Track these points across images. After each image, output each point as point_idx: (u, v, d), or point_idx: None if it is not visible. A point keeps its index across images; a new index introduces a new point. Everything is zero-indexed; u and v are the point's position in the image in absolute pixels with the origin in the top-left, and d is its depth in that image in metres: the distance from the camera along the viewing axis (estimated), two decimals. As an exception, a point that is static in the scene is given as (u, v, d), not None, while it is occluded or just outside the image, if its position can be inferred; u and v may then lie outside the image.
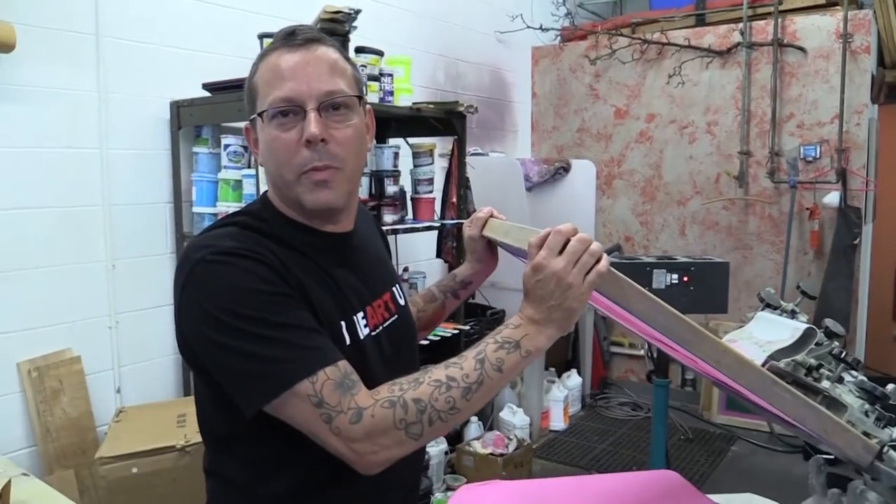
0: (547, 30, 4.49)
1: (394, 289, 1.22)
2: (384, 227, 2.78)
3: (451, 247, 3.16)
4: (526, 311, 0.95)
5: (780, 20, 3.93)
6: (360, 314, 1.08)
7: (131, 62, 2.45)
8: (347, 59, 1.09)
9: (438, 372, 0.93)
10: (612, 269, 0.90)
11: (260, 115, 1.03)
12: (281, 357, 0.91)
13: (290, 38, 1.03)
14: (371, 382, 0.95)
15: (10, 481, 1.53)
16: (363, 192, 2.77)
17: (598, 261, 0.92)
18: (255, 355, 0.91)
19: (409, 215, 3.07)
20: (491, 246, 1.34)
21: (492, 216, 1.30)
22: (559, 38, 4.72)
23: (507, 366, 0.93)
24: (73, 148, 2.33)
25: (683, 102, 4.28)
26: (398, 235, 3.17)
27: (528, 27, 4.35)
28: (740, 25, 4.03)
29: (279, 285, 0.95)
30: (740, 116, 4.09)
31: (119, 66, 2.42)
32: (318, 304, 1.00)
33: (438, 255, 3.36)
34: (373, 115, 1.16)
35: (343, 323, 1.04)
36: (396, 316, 1.19)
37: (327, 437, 0.90)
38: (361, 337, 1.06)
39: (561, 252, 0.92)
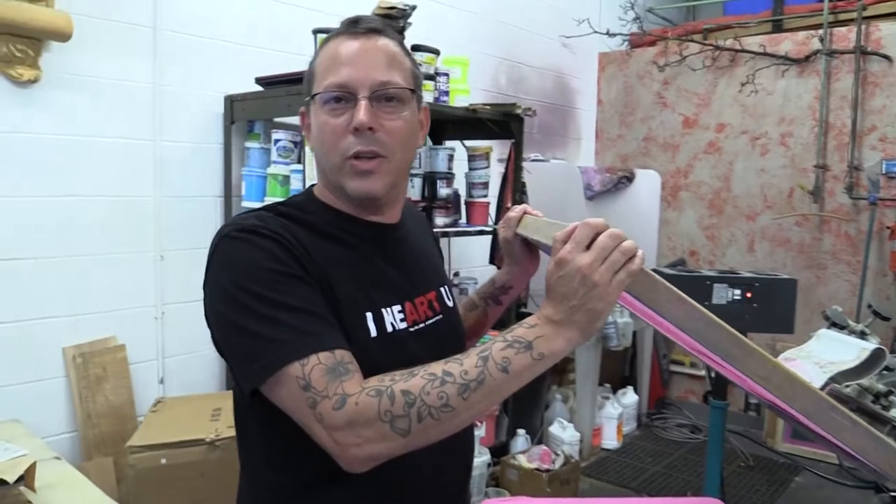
0: (614, 35, 4.37)
1: (442, 289, 1.18)
2: (435, 230, 2.72)
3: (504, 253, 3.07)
4: (545, 309, 0.87)
5: (863, 27, 3.70)
6: (397, 307, 1.05)
7: (187, 55, 2.46)
8: (408, 53, 1.09)
9: (436, 366, 0.87)
10: (646, 269, 0.81)
11: (314, 97, 1.04)
12: (277, 337, 0.88)
13: (353, 26, 1.04)
14: None
15: (34, 464, 1.52)
16: (415, 194, 2.72)
17: (630, 259, 0.83)
18: (253, 333, 0.89)
19: (463, 219, 3.00)
20: (529, 246, 1.25)
21: (525, 213, 1.21)
22: (627, 43, 4.59)
23: (515, 367, 0.85)
24: (127, 139, 2.35)
25: (756, 112, 4.09)
26: (450, 239, 3.11)
27: (595, 32, 4.23)
28: (820, 32, 3.82)
29: (291, 266, 0.94)
30: (817, 128, 3.88)
31: (175, 59, 2.43)
32: (341, 292, 0.98)
33: (492, 262, 3.27)
34: (428, 113, 1.14)
35: (370, 314, 1.00)
36: (441, 316, 1.14)
37: (311, 424, 0.86)
38: (392, 330, 1.02)
39: (589, 247, 0.84)
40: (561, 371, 3.94)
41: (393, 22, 2.39)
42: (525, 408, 3.42)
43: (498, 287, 1.33)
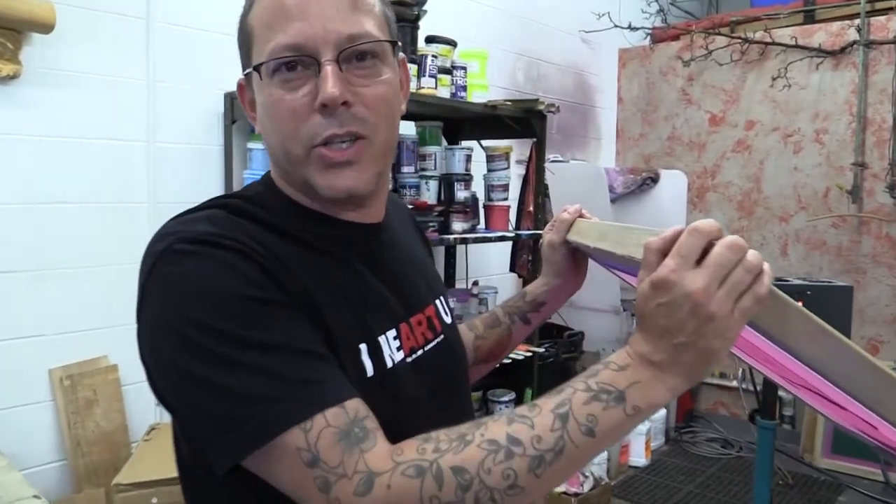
0: (636, 29, 4.16)
1: (438, 301, 0.93)
2: (452, 236, 2.52)
3: (526, 260, 2.87)
4: (639, 345, 0.65)
5: (904, 16, 3.48)
6: (392, 333, 0.80)
7: (183, 49, 2.26)
8: None
9: (497, 428, 0.64)
10: (775, 290, 0.60)
11: (257, 68, 0.76)
12: (263, 393, 0.64)
13: None
14: (405, 428, 0.67)
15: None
16: (431, 197, 2.52)
17: (756, 278, 0.60)
18: (229, 390, 0.64)
19: (481, 224, 2.80)
20: (576, 257, 1.04)
21: (580, 217, 1.00)
22: (649, 38, 4.37)
23: (603, 428, 0.63)
24: (118, 140, 2.15)
25: (788, 108, 3.86)
26: (468, 245, 2.90)
27: (616, 26, 4.02)
28: (856, 22, 3.60)
29: (269, 289, 0.68)
30: (855, 124, 3.65)
31: (170, 53, 2.24)
32: (329, 317, 0.73)
33: (512, 269, 3.07)
34: (407, 67, 0.87)
35: (364, 346, 0.75)
36: (443, 337, 0.89)
37: None
38: (391, 364, 0.77)
39: (699, 262, 0.61)
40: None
41: (406, 10, 2.20)
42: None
43: (529, 302, 1.10)
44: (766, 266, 0.60)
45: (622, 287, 3.24)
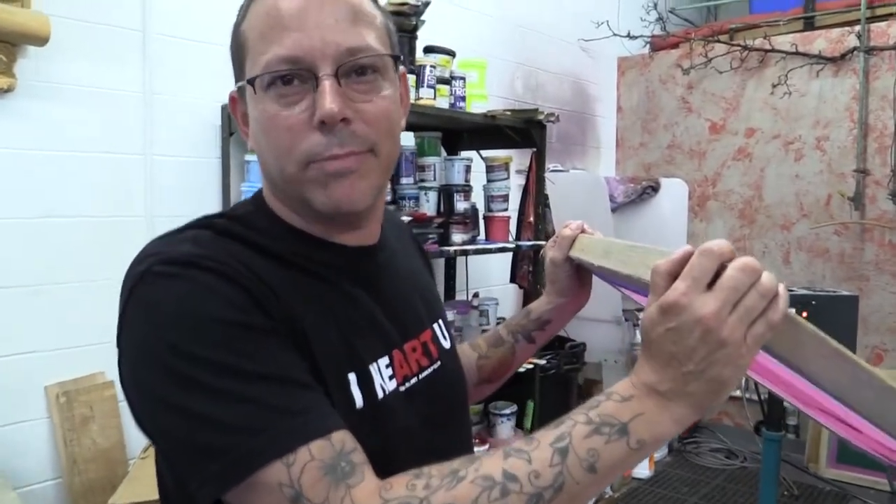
0: (635, 37, 4.14)
1: (436, 325, 0.90)
2: (452, 248, 2.49)
3: (526, 271, 2.84)
4: (644, 374, 0.61)
5: (904, 22, 3.47)
6: (384, 360, 0.76)
7: (180, 61, 2.25)
8: (376, 2, 0.78)
9: (492, 463, 0.60)
10: (792, 314, 0.56)
11: (251, 82, 0.72)
12: (244, 424, 0.60)
13: None
14: (394, 461, 0.64)
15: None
16: (430, 208, 2.49)
17: (771, 303, 0.57)
18: (208, 419, 0.61)
19: (481, 235, 2.78)
20: (580, 274, 1.01)
21: (583, 233, 0.98)
22: (648, 46, 4.36)
23: (605, 463, 0.59)
24: (114, 153, 2.13)
25: (789, 115, 3.85)
26: (468, 257, 2.88)
27: (615, 35, 4.01)
28: (857, 28, 3.59)
29: (255, 314, 0.65)
30: (856, 130, 3.63)
31: (167, 65, 2.22)
32: (317, 345, 0.69)
33: (513, 280, 3.04)
34: (407, 80, 0.85)
35: (354, 376, 0.72)
36: (439, 363, 0.86)
37: None
38: (382, 395, 0.74)
39: (711, 286, 0.57)
40: (587, 394, 3.70)
41: (404, 20, 2.18)
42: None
43: (534, 320, 1.06)
44: (781, 289, 0.57)
45: (623, 297, 3.22)
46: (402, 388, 0.78)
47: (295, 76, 0.71)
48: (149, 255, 0.68)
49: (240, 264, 0.67)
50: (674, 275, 0.59)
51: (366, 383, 0.73)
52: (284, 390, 0.63)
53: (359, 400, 0.71)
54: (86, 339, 2.10)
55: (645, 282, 0.62)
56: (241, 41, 0.76)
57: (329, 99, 0.69)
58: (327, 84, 0.70)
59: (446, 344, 0.90)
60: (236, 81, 0.78)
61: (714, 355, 0.57)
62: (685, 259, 0.59)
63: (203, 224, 0.73)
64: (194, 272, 0.65)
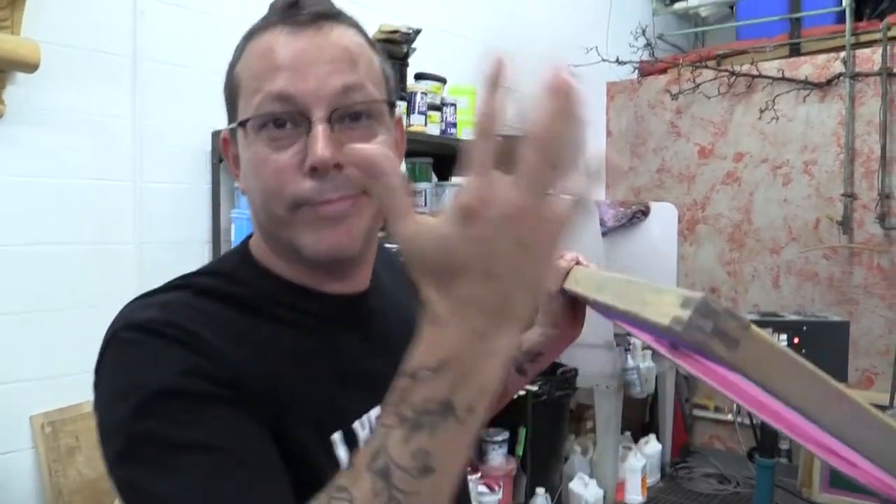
0: (624, 63, 4.18)
1: None
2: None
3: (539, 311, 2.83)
4: (445, 314, 0.48)
5: (888, 48, 3.51)
6: (375, 411, 0.74)
7: (170, 87, 2.24)
8: (374, 46, 0.77)
9: None
10: (790, 353, 0.55)
11: (243, 123, 0.71)
12: (180, 498, 0.57)
13: (292, 10, 0.71)
14: None
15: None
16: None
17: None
18: (151, 495, 0.58)
19: (472, 260, 2.77)
20: (573, 306, 1.00)
21: (577, 264, 0.97)
22: (637, 71, 4.40)
23: (441, 456, 0.48)
24: (103, 179, 2.12)
25: (777, 140, 3.88)
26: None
27: (604, 60, 4.04)
28: (842, 55, 3.63)
29: (209, 382, 0.62)
30: (843, 155, 3.66)
31: (157, 92, 2.21)
32: (297, 408, 0.67)
33: (503, 305, 3.03)
34: (403, 127, 0.83)
35: (339, 434, 0.70)
36: None
37: None
38: None
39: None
40: (578, 419, 3.68)
41: (395, 48, 2.19)
42: (544, 463, 3.15)
43: (525, 351, 1.04)
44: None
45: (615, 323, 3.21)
46: None
47: (288, 119, 0.70)
48: (121, 317, 0.68)
49: (209, 328, 0.65)
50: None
51: (351, 441, 0.71)
52: (233, 462, 0.59)
53: (345, 462, 0.69)
54: (72, 368, 2.07)
55: (642, 318, 0.61)
56: (234, 82, 0.75)
57: (321, 144, 0.67)
58: (320, 129, 0.68)
59: None
60: (229, 122, 0.77)
61: (525, 256, 0.48)
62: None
63: (182, 284, 0.72)
64: (150, 339, 0.64)
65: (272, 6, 0.75)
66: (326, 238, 0.70)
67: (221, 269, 0.77)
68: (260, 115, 0.70)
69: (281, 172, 0.70)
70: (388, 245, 0.95)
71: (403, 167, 2.57)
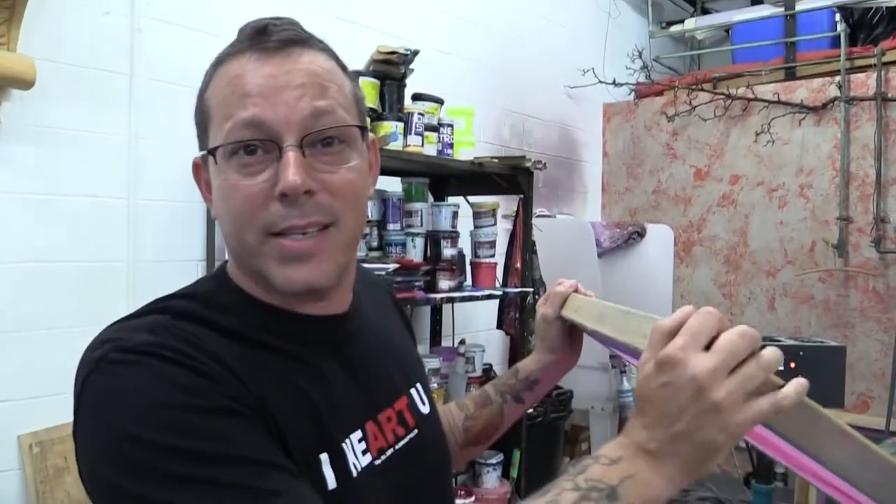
0: (620, 85, 4.20)
1: (413, 390, 0.87)
2: (439, 295, 2.47)
3: (513, 318, 2.82)
4: (635, 433, 0.60)
5: (883, 73, 3.53)
6: (357, 435, 0.74)
7: (166, 105, 2.24)
8: (345, 69, 0.77)
9: None
10: (807, 400, 0.54)
11: (212, 151, 0.71)
12: None
13: (261, 36, 0.71)
14: None
15: None
16: (417, 255, 2.48)
17: (778, 386, 0.55)
18: None
19: (468, 281, 2.76)
20: (571, 333, 0.99)
21: (576, 292, 0.96)
22: (633, 93, 4.42)
23: None
24: (98, 197, 2.11)
25: (773, 163, 3.89)
26: (454, 304, 2.85)
27: (601, 82, 4.06)
28: (837, 79, 3.65)
29: (214, 396, 0.63)
30: (838, 178, 3.67)
31: (153, 109, 2.20)
32: (285, 428, 0.67)
33: (499, 327, 3.02)
34: (377, 149, 0.83)
35: (325, 456, 0.69)
36: (416, 432, 0.83)
37: None
38: (355, 473, 0.71)
39: (709, 348, 0.57)
40: (573, 441, 3.65)
41: (393, 69, 2.19)
42: (538, 485, 3.12)
43: (522, 379, 1.04)
44: (803, 381, 0.55)
45: (611, 343, 3.20)
46: (378, 462, 0.75)
47: (258, 146, 0.69)
48: (105, 342, 0.66)
49: (199, 350, 0.65)
50: (674, 334, 0.58)
51: (338, 463, 0.70)
52: (252, 471, 0.59)
53: (331, 481, 0.69)
54: (61, 387, 2.03)
55: (641, 352, 0.61)
56: (204, 108, 0.74)
57: (292, 171, 0.67)
58: (291, 155, 0.68)
59: (425, 409, 0.87)
60: (200, 149, 0.76)
61: (706, 417, 0.56)
62: (685, 319, 0.58)
63: (161, 308, 0.71)
64: (150, 360, 0.63)
65: (241, 31, 0.74)
66: (295, 275, 0.70)
67: (198, 292, 0.75)
68: (230, 143, 0.70)
69: (252, 198, 0.69)
70: (366, 265, 0.95)
71: (399, 181, 2.57)
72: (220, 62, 0.74)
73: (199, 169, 0.79)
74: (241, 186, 0.69)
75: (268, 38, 0.71)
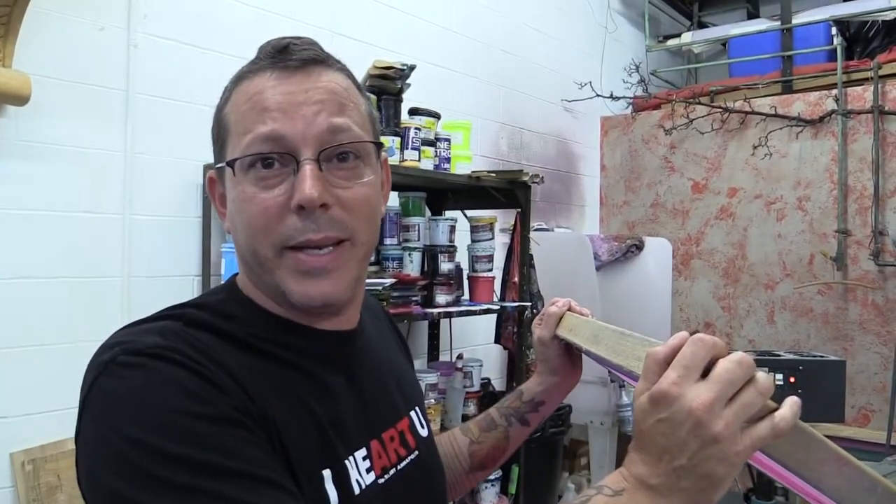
0: (618, 98, 4.20)
1: (413, 413, 0.87)
2: (436, 310, 2.46)
3: (511, 332, 2.81)
4: (635, 467, 0.59)
5: (879, 86, 3.54)
6: (361, 452, 0.73)
7: (162, 121, 2.23)
8: (360, 89, 0.79)
9: None
10: (801, 423, 0.54)
11: (231, 163, 0.71)
12: None
13: (282, 55, 0.72)
14: None
15: None
16: (414, 269, 2.47)
17: (772, 410, 0.54)
18: None
19: (466, 296, 2.75)
20: (570, 351, 0.98)
21: (569, 310, 0.95)
22: (631, 107, 4.43)
23: None
24: (93, 213, 2.10)
25: (770, 176, 3.89)
26: (452, 318, 2.84)
27: (598, 95, 4.07)
28: (834, 92, 3.66)
29: (220, 405, 0.62)
30: (836, 191, 3.67)
31: (149, 125, 2.20)
32: (289, 440, 0.66)
33: (497, 341, 3.00)
34: (389, 168, 0.83)
35: (329, 472, 0.69)
36: (416, 454, 0.83)
37: None
38: (359, 490, 0.71)
39: (705, 377, 0.55)
40: (572, 456, 3.63)
41: (390, 84, 2.19)
42: (537, 501, 3.10)
43: (526, 402, 1.03)
44: (795, 399, 0.54)
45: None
46: (381, 481, 0.74)
47: (276, 159, 0.70)
48: (114, 344, 0.65)
49: (208, 357, 0.65)
50: (666, 362, 0.57)
51: (341, 479, 0.69)
52: (249, 487, 0.59)
53: (334, 498, 0.68)
54: (54, 405, 2.03)
55: (637, 375, 0.60)
56: (222, 123, 0.75)
57: (309, 184, 0.68)
58: (308, 168, 0.69)
59: (423, 432, 0.87)
60: (216, 163, 0.76)
61: (706, 450, 0.54)
62: (677, 347, 0.57)
63: (173, 314, 0.71)
64: (159, 363, 0.62)
65: (261, 49, 0.75)
66: (312, 290, 0.71)
67: (208, 303, 0.75)
68: (249, 155, 0.70)
69: (267, 211, 0.70)
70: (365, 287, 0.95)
71: (396, 196, 2.56)
72: (239, 79, 0.75)
73: (213, 183, 0.79)
74: (258, 199, 0.70)
75: (288, 56, 0.73)
